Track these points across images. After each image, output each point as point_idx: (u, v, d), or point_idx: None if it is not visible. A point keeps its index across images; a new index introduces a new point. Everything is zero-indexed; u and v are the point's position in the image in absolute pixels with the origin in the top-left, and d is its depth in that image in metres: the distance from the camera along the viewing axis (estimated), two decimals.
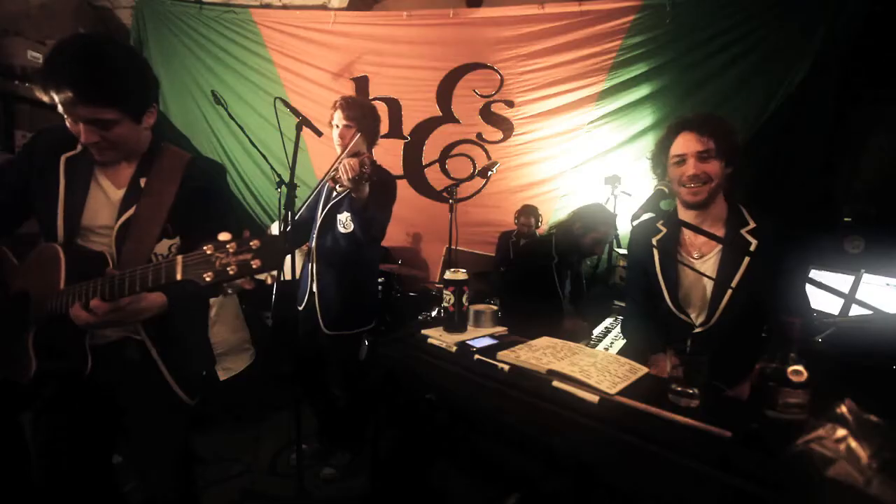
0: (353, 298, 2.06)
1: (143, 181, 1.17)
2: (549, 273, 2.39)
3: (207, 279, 0.85)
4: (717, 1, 3.10)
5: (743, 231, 1.34)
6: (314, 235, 2.09)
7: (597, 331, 2.35)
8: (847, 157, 2.99)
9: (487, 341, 1.30)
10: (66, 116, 1.05)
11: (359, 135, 1.97)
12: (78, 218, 1.13)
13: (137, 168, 1.19)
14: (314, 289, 2.07)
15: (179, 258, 0.88)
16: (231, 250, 0.84)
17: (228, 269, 0.84)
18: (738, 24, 3.06)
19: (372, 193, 1.83)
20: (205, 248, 0.85)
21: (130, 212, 1.14)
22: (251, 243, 0.83)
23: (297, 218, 1.91)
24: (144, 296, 1.04)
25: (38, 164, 1.17)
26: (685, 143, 1.35)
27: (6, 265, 1.19)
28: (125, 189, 1.17)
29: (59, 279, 1.06)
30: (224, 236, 0.85)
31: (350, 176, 1.70)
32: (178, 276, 0.88)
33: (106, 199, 1.16)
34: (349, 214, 1.97)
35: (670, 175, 1.40)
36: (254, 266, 0.83)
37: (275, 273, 0.92)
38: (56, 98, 1.01)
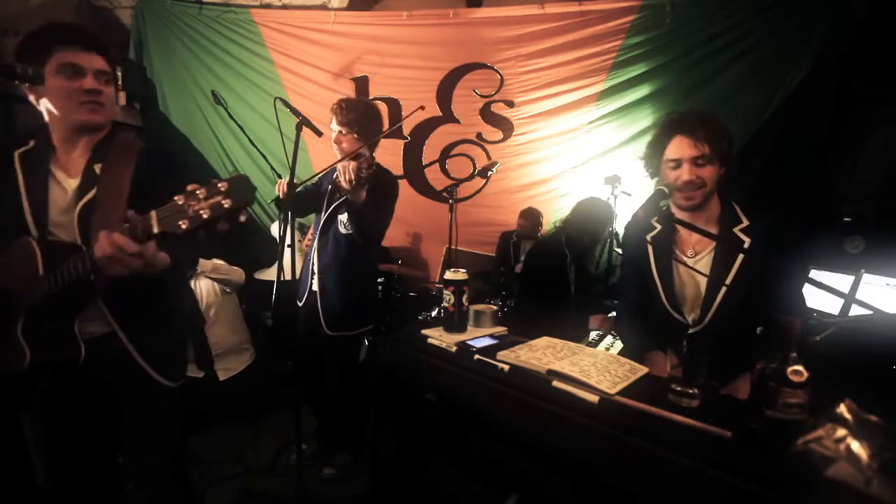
0: (354, 299, 2.06)
1: (98, 167, 1.17)
2: (563, 273, 2.39)
3: (183, 226, 0.86)
4: (717, 1, 3.10)
5: (736, 229, 1.33)
6: (316, 235, 2.09)
7: (596, 331, 2.35)
8: (847, 157, 2.99)
9: (487, 341, 1.29)
10: (66, 81, 1.12)
11: (357, 139, 1.97)
12: (45, 209, 1.14)
13: (91, 155, 1.18)
14: (315, 287, 2.08)
15: (153, 212, 0.90)
16: (201, 196, 0.85)
17: (202, 213, 0.85)
18: (738, 24, 3.06)
19: (370, 196, 1.82)
20: (175, 198, 0.87)
21: (91, 194, 1.14)
22: (219, 185, 0.85)
23: (299, 190, 1.90)
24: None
25: None
26: (680, 148, 1.31)
27: None
28: (80, 178, 1.17)
29: (38, 268, 1.07)
30: (192, 186, 0.86)
31: (347, 178, 1.71)
32: (155, 230, 0.89)
33: (62, 190, 1.17)
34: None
35: (664, 177, 1.37)
36: (225, 206, 0.85)
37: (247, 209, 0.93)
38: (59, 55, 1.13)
